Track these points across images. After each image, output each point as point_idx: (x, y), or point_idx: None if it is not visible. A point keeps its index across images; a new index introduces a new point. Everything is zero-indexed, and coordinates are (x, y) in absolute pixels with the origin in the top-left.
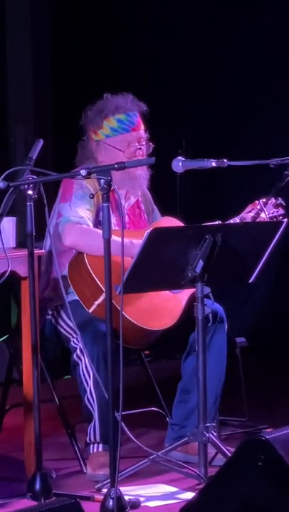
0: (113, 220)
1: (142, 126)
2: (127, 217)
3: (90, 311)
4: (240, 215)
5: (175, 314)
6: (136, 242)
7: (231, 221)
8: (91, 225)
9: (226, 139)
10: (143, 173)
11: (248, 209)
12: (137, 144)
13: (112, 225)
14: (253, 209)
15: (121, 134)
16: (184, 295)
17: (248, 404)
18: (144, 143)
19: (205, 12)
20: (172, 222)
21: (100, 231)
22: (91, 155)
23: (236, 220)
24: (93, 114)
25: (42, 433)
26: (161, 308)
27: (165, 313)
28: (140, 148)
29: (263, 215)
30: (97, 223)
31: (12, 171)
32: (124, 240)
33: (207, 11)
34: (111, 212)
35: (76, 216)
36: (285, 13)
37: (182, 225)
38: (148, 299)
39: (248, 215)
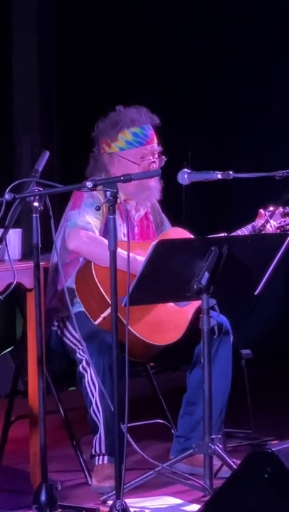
0: (123, 230)
1: (156, 140)
2: (136, 228)
3: (96, 323)
4: (252, 224)
5: (180, 328)
6: (139, 258)
7: (244, 229)
8: (97, 232)
9: (232, 150)
10: (156, 185)
11: (258, 218)
12: (151, 158)
13: (122, 236)
14: (262, 216)
15: (136, 147)
16: (190, 308)
17: (253, 416)
18: (157, 156)
19: (212, 24)
20: (180, 233)
21: (105, 240)
22: (104, 167)
23: (249, 228)
24: (106, 126)
25: (47, 445)
26: (166, 322)
27: (170, 328)
28: (154, 162)
29: (269, 226)
30: (105, 233)
31: (18, 183)
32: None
33: (214, 23)
34: (121, 222)
35: (83, 221)
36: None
37: (190, 236)
38: (154, 312)
39: (258, 223)
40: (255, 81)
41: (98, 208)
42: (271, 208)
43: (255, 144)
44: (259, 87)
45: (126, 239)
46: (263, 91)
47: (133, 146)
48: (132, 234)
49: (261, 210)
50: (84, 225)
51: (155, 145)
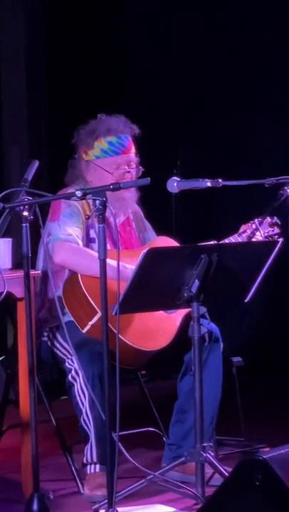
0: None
1: (133, 150)
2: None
3: (84, 331)
4: (234, 236)
5: (169, 335)
6: (129, 266)
7: (226, 241)
8: (80, 242)
9: (221, 158)
10: (131, 195)
11: (241, 230)
12: (126, 167)
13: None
14: (246, 230)
15: (111, 156)
16: (178, 315)
17: (245, 424)
18: (133, 166)
19: (201, 32)
20: (167, 242)
21: (89, 250)
22: (81, 174)
23: (231, 240)
24: (85, 134)
25: (39, 454)
26: (155, 328)
27: (159, 334)
28: (129, 172)
29: (258, 234)
30: (87, 241)
31: (7, 193)
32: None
33: (203, 31)
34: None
35: (65, 234)
36: (280, 33)
37: (177, 244)
38: (142, 319)
39: (242, 235)
40: (245, 89)
41: (88, 217)
42: (260, 219)
43: (244, 151)
44: (249, 95)
45: (113, 248)
46: (252, 99)
47: (108, 154)
48: (118, 244)
49: (243, 226)
50: (66, 237)
51: (132, 155)
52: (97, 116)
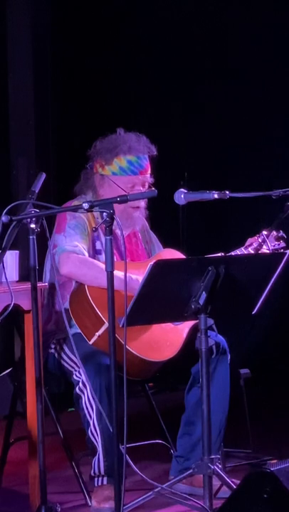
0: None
1: (149, 171)
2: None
3: (91, 342)
4: (241, 249)
5: (176, 346)
6: (135, 277)
7: (233, 254)
8: (86, 253)
9: (228, 170)
10: (140, 215)
11: (247, 243)
12: (141, 188)
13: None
14: (252, 243)
15: (128, 175)
16: (185, 326)
17: (252, 436)
18: (147, 187)
19: (206, 47)
20: (173, 254)
21: (96, 261)
22: (93, 187)
23: (237, 253)
24: (104, 148)
25: (46, 466)
26: (162, 339)
27: (166, 345)
28: None
29: (265, 248)
30: (94, 252)
31: (15, 205)
32: (123, 274)
33: (207, 45)
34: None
35: (71, 245)
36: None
37: (183, 256)
38: (149, 330)
39: (248, 249)
40: (251, 102)
41: (95, 229)
42: (265, 232)
43: (251, 163)
44: (255, 108)
45: (119, 259)
46: (259, 111)
47: (126, 173)
48: (125, 256)
49: (250, 239)
50: (72, 248)
51: (148, 176)
52: (117, 130)
